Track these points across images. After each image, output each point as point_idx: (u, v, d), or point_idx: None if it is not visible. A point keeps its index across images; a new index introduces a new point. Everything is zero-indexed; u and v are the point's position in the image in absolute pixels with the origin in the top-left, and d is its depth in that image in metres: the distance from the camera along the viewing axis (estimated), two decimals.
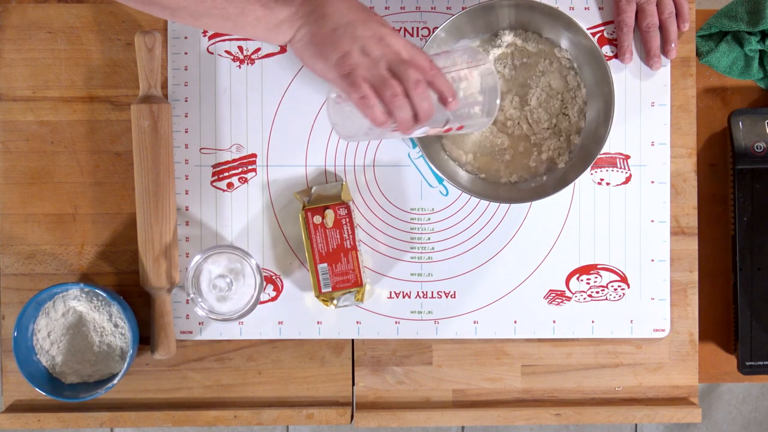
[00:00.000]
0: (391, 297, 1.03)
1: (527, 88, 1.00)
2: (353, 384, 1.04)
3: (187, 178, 1.03)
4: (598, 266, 1.03)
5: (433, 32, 0.95)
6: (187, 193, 1.03)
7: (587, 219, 1.03)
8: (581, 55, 0.98)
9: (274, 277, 1.03)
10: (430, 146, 0.98)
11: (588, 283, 1.03)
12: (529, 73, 1.00)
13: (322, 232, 0.99)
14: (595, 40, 0.96)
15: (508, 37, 0.99)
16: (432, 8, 1.03)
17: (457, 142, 1.00)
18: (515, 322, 1.03)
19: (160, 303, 1.00)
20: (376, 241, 1.03)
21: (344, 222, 0.99)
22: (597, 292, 1.03)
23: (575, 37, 0.97)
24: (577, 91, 0.99)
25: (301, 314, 1.03)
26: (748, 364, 1.02)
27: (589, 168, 0.96)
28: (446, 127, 0.87)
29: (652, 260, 1.03)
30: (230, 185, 1.04)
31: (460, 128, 0.88)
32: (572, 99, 1.00)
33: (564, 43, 0.99)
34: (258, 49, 1.03)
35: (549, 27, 0.98)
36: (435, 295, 1.03)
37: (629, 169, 1.03)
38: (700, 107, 1.06)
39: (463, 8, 0.95)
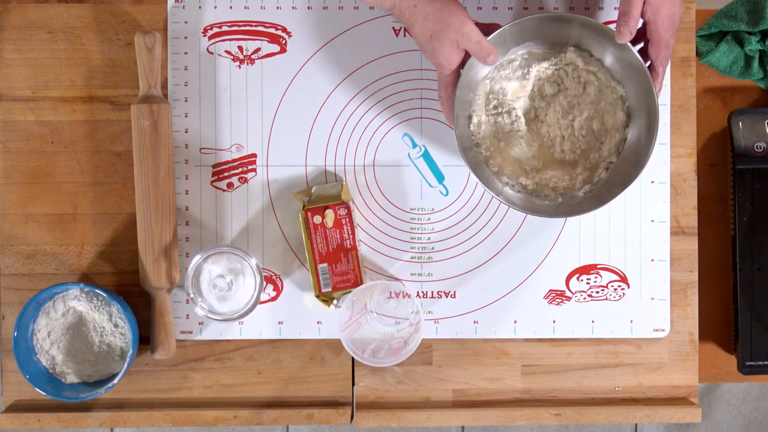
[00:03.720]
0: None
1: (573, 108, 0.98)
2: (353, 384, 1.04)
3: (187, 178, 1.03)
4: (598, 266, 1.03)
5: (499, 29, 0.91)
6: (187, 193, 1.03)
7: (587, 219, 1.03)
8: (625, 71, 0.95)
9: (274, 277, 1.03)
10: (476, 163, 0.96)
11: (588, 283, 1.03)
12: (577, 93, 0.98)
13: (322, 232, 0.99)
14: (646, 66, 0.92)
15: (571, 55, 0.97)
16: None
17: (499, 157, 0.99)
18: (515, 322, 1.03)
19: (160, 303, 1.00)
20: (376, 241, 1.03)
21: (344, 222, 0.99)
22: (597, 292, 1.03)
23: (620, 54, 0.94)
24: (618, 106, 0.97)
25: (301, 314, 1.03)
26: (748, 364, 1.02)
27: (626, 189, 0.93)
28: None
29: (652, 260, 1.03)
30: (230, 185, 1.04)
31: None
32: (613, 115, 0.97)
33: (608, 60, 0.96)
34: (258, 49, 1.03)
35: (598, 46, 0.95)
36: (435, 295, 1.03)
37: None
38: (700, 107, 1.06)
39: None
